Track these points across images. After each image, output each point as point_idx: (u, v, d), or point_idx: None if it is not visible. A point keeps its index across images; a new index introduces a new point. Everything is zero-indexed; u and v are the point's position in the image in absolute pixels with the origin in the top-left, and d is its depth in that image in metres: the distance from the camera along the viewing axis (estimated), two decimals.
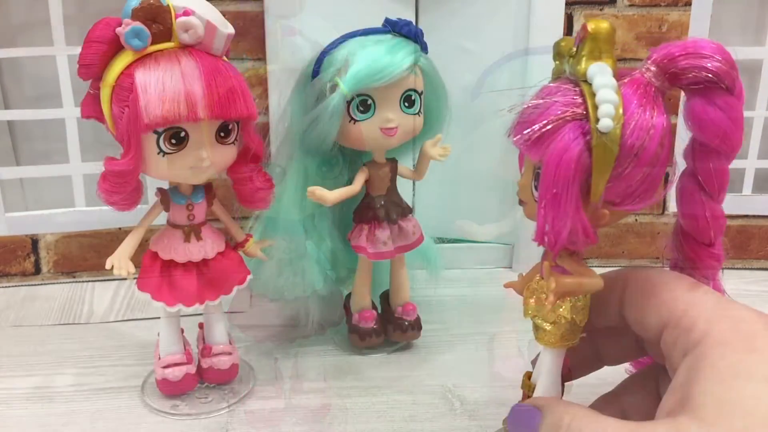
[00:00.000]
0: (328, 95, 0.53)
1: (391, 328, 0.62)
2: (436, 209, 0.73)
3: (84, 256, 0.75)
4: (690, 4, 0.71)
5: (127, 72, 0.45)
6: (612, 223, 0.39)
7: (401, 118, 0.55)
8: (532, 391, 0.46)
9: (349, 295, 0.65)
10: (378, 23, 0.56)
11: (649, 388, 0.44)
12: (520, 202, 0.41)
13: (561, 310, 0.41)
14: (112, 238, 0.74)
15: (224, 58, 0.49)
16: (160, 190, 0.52)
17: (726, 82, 0.37)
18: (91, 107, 0.49)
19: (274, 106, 0.69)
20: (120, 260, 0.49)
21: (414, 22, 0.58)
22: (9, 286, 0.74)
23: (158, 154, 0.46)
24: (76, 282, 0.75)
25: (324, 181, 0.58)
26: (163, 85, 0.44)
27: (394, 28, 0.55)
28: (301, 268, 0.59)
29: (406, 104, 0.55)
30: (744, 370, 0.33)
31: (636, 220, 0.78)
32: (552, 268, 0.41)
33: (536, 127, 0.36)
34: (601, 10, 0.71)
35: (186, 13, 0.46)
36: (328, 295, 0.61)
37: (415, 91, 0.55)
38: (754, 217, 0.78)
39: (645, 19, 0.71)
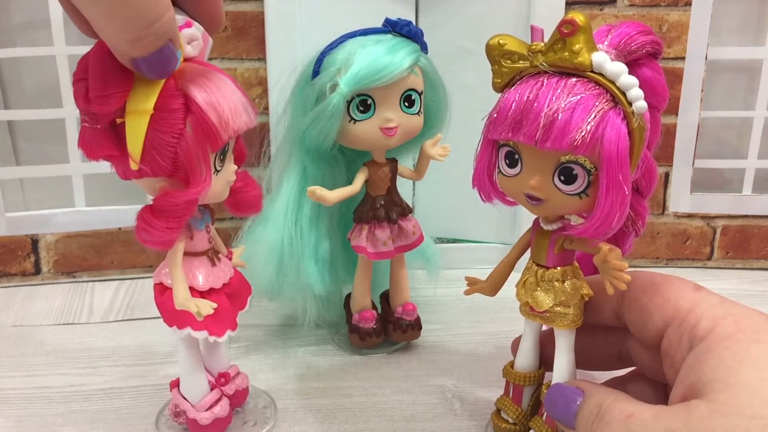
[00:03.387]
0: (328, 95, 0.53)
1: (391, 328, 0.62)
2: (436, 209, 0.73)
3: (84, 256, 0.75)
4: (690, 4, 0.71)
5: (172, 93, 0.39)
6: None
7: (401, 118, 0.55)
8: (520, 379, 0.47)
9: (349, 295, 0.65)
10: (378, 23, 0.56)
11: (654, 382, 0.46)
12: (535, 200, 0.42)
13: (583, 289, 0.44)
14: (112, 238, 0.74)
15: None
16: None
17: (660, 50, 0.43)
18: (105, 145, 0.41)
19: (274, 106, 0.70)
20: (197, 302, 0.44)
21: (414, 22, 0.58)
22: (9, 286, 0.74)
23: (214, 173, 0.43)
24: (76, 282, 0.75)
25: (324, 181, 0.58)
26: (224, 98, 0.41)
27: (394, 28, 0.55)
28: (301, 268, 0.59)
29: (406, 104, 0.55)
30: (749, 358, 0.35)
31: None
32: (562, 253, 0.44)
33: (588, 126, 0.38)
34: (601, 10, 0.71)
35: (188, 24, 0.42)
36: (327, 295, 0.61)
37: (415, 91, 0.55)
38: (754, 217, 0.78)
39: (645, 20, 0.71)
